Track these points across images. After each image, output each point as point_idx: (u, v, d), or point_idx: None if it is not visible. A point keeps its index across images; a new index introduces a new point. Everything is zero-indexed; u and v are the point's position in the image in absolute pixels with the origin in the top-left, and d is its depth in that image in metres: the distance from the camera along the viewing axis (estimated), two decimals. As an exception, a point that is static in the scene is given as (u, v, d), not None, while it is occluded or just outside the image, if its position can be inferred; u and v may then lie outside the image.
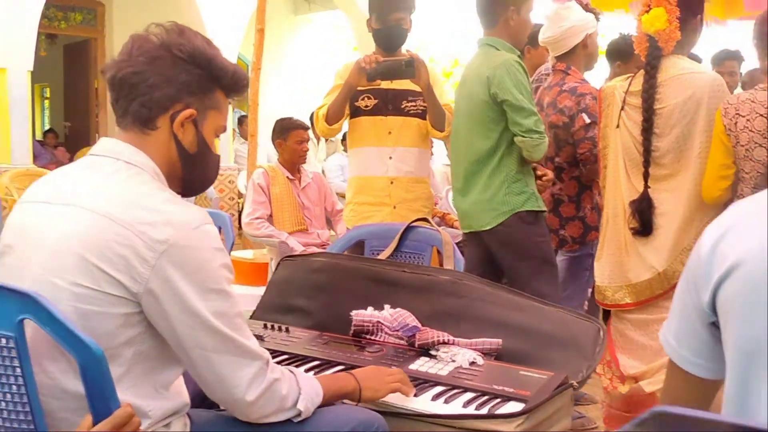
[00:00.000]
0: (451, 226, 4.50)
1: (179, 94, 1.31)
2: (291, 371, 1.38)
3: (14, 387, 1.12)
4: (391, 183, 2.99)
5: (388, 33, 2.97)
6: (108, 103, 8.25)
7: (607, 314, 3.18)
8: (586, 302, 3.16)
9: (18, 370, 1.10)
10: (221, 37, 7.12)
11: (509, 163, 2.63)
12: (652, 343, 2.37)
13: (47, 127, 10.93)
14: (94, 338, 1.11)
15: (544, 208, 2.72)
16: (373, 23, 3.01)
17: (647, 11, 2.34)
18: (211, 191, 6.75)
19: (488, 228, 2.66)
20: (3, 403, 1.13)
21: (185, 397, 1.35)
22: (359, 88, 2.92)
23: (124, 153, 1.30)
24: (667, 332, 1.09)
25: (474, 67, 2.71)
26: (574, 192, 3.02)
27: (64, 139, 9.41)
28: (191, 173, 1.38)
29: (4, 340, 1.10)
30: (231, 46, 7.31)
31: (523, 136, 2.54)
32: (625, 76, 2.57)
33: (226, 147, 7.45)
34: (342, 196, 5.34)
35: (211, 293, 1.23)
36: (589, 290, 3.09)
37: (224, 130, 1.43)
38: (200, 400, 1.44)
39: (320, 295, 2.09)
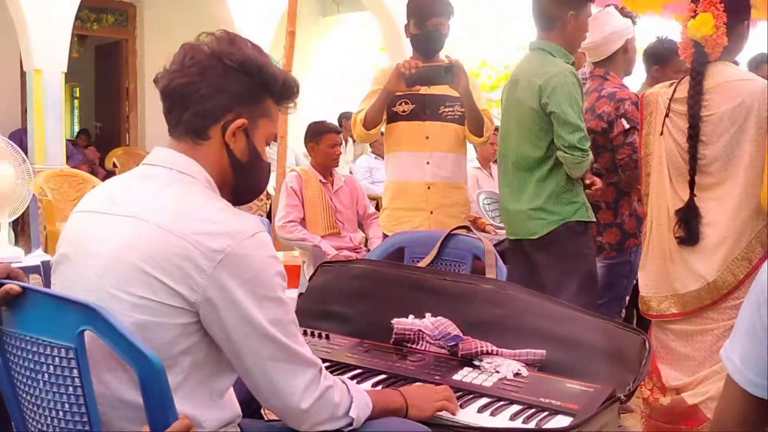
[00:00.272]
0: (483, 230, 4.48)
1: (231, 103, 1.31)
2: (343, 381, 1.38)
3: (72, 397, 1.13)
4: (428, 188, 2.99)
5: (427, 38, 2.96)
6: (138, 103, 8.39)
7: (641, 322, 3.14)
8: (623, 310, 3.13)
9: (77, 380, 1.11)
10: (251, 39, 7.16)
11: (560, 172, 2.58)
12: (695, 355, 2.34)
13: (76, 125, 11.07)
14: (152, 348, 1.12)
15: (594, 219, 2.68)
16: (412, 28, 3.00)
17: (693, 16, 2.30)
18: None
19: (536, 237, 2.62)
20: (61, 413, 1.14)
21: (237, 408, 1.35)
22: (397, 93, 2.91)
23: (178, 163, 1.31)
24: (731, 351, 1.07)
25: (526, 72, 2.66)
26: (611, 198, 2.98)
27: (95, 139, 9.52)
28: (243, 182, 1.39)
29: (63, 351, 1.11)
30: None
31: (565, 152, 2.50)
32: (668, 83, 2.53)
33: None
34: (371, 198, 5.33)
35: (267, 301, 1.24)
36: (627, 298, 3.06)
37: (275, 138, 1.43)
38: (244, 407, 1.45)
39: (360, 302, 2.09)
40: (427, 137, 2.96)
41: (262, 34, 7.29)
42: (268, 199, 7.46)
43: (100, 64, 9.53)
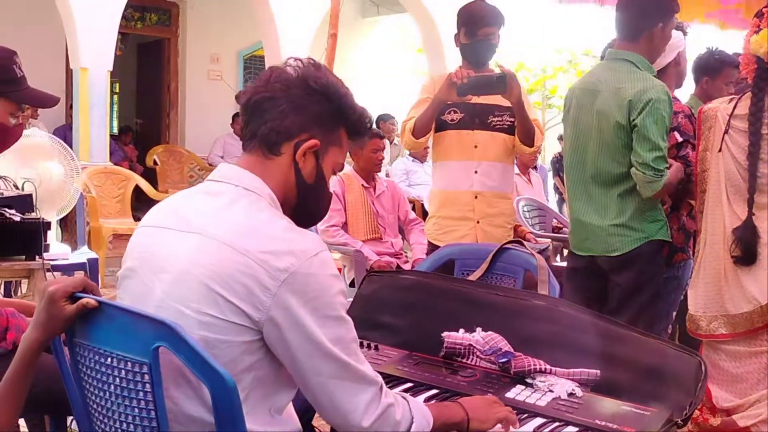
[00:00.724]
0: (524, 238, 4.45)
1: (307, 124, 1.34)
2: (403, 397, 1.38)
3: (144, 411, 1.15)
4: (476, 198, 2.99)
5: (477, 48, 2.96)
6: (179, 102, 8.46)
7: (687, 340, 3.09)
8: (670, 326, 3.08)
9: (149, 395, 1.13)
10: (293, 41, 7.20)
11: None
12: (748, 376, 2.29)
13: (115, 121, 11.25)
14: (218, 365, 1.13)
15: (671, 239, 2.64)
16: (462, 38, 3.00)
17: (757, 31, 2.25)
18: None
19: (616, 254, 2.57)
20: (132, 426, 1.16)
21: (297, 423, 1.36)
22: (447, 102, 2.91)
23: (243, 179, 1.33)
24: None
25: (610, 83, 2.58)
26: (661, 212, 2.94)
27: (135, 136, 9.67)
28: (304, 204, 1.40)
29: (137, 366, 1.13)
30: (302, 50, 7.38)
31: (638, 168, 2.46)
32: (728, 98, 2.48)
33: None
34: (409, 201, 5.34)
35: (329, 320, 1.25)
36: (674, 314, 3.01)
37: (342, 168, 1.46)
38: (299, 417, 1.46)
39: (409, 314, 2.09)
40: (475, 146, 2.96)
41: (303, 35, 7.33)
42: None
43: (142, 61, 9.67)
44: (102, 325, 1.18)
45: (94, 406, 1.23)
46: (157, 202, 5.74)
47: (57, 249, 3.75)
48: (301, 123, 1.34)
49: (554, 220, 5.31)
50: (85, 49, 6.04)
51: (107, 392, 1.18)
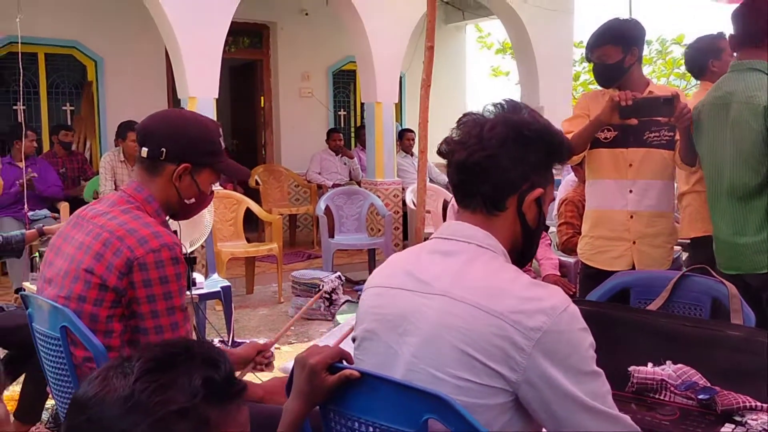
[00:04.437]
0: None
1: (527, 173, 1.34)
2: None
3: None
4: (631, 217, 2.90)
5: (594, 71, 2.91)
6: (273, 121, 8.54)
7: None
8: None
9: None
10: (385, 54, 7.23)
11: None
12: None
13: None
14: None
15: None
16: None
17: None
18: (383, 209, 6.87)
19: (764, 271, 2.49)
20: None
21: None
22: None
23: (476, 237, 1.33)
24: None
25: (743, 94, 2.53)
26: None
27: (233, 157, 9.85)
28: (527, 249, 1.41)
29: (409, 435, 1.14)
30: (395, 62, 7.41)
31: None
32: None
33: (389, 161, 7.56)
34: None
35: (584, 376, 1.23)
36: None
37: (553, 199, 1.44)
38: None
39: (587, 347, 2.04)
40: (630, 165, 2.88)
41: (395, 48, 7.35)
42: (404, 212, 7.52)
43: (235, 83, 9.89)
44: (363, 395, 1.19)
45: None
46: (266, 223, 5.76)
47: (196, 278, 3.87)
48: (522, 174, 1.33)
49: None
50: (192, 79, 6.23)
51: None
